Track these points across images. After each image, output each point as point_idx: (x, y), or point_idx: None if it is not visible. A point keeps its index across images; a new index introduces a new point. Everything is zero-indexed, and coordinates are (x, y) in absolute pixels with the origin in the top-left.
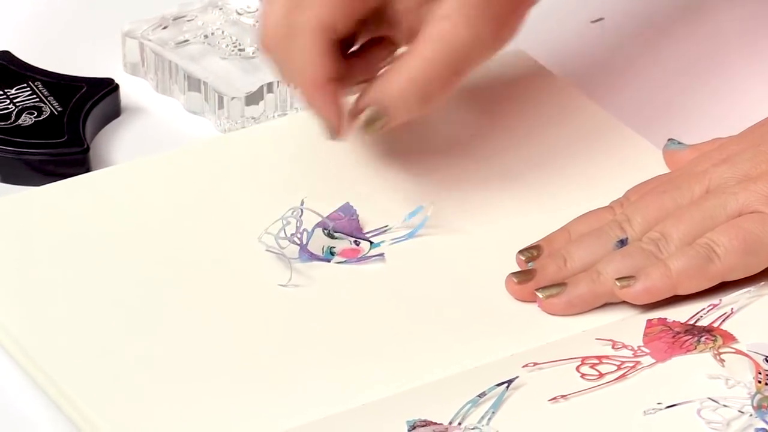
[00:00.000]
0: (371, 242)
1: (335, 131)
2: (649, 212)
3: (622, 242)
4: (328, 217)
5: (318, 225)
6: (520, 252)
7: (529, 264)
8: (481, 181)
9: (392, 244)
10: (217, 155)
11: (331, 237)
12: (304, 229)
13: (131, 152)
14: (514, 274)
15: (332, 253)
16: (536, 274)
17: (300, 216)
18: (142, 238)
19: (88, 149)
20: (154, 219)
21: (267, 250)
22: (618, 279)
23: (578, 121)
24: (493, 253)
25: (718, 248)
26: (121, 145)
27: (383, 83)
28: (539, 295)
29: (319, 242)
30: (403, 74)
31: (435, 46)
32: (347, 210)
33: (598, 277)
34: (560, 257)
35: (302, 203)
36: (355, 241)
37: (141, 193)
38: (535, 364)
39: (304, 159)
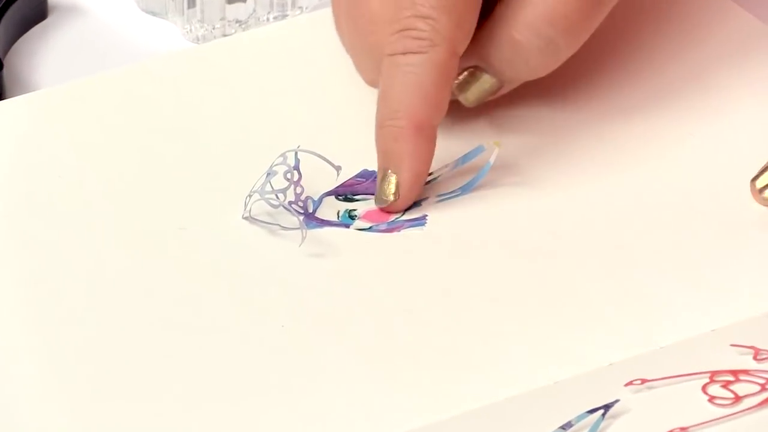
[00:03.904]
0: None
1: (402, 196)
2: None
3: None
4: (342, 185)
5: (327, 194)
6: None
7: None
8: (569, 113)
9: (439, 201)
10: (186, 74)
11: (349, 200)
12: (308, 197)
13: (62, 70)
14: None
15: (352, 217)
16: None
17: (296, 174)
18: (80, 193)
19: (1, 66)
20: (96, 165)
21: (246, 217)
22: None
23: (719, 30)
24: (583, 215)
25: None
26: (47, 61)
27: (498, 32)
28: None
29: (331, 208)
30: (527, 15)
31: None
32: (366, 174)
33: None
34: None
35: (297, 156)
36: None
37: (77, 129)
38: (644, 381)
39: (310, 79)
